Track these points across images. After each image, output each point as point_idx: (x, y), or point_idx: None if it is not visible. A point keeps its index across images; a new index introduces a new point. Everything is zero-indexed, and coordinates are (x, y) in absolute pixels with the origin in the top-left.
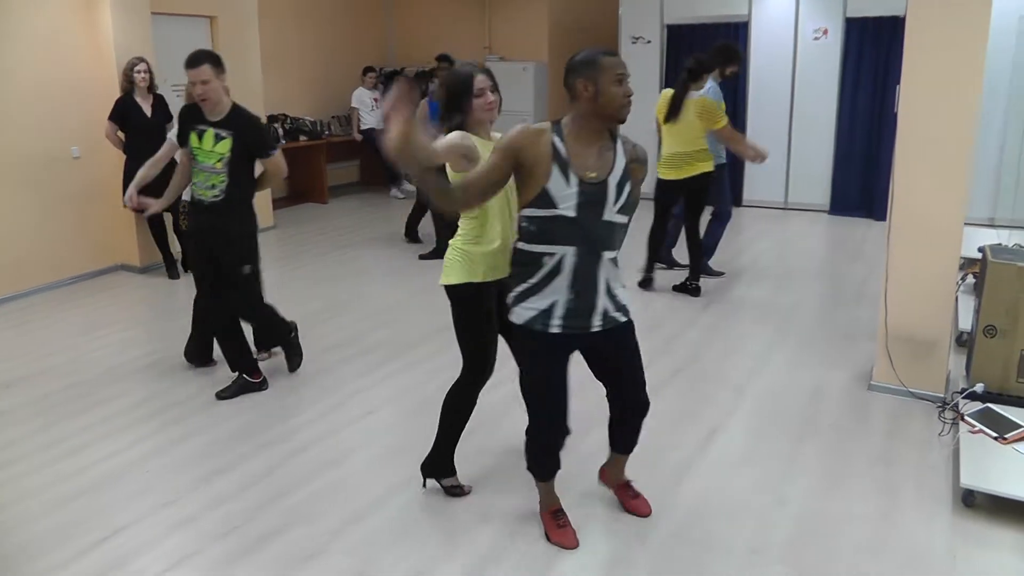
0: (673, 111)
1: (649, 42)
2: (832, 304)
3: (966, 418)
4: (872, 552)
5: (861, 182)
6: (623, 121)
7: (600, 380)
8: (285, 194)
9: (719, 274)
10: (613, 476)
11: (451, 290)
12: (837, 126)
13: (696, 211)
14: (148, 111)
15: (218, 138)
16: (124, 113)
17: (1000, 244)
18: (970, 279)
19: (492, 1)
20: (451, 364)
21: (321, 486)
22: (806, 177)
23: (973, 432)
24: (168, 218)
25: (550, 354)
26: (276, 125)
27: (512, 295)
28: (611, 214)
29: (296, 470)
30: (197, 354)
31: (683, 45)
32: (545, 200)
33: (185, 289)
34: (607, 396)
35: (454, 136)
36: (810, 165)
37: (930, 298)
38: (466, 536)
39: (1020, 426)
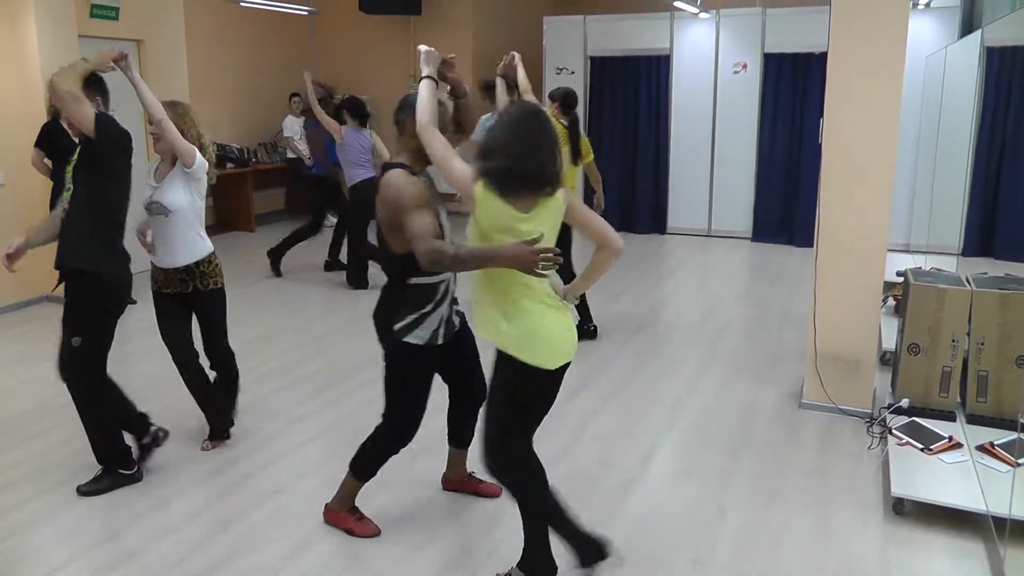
0: None
1: (572, 73)
2: (758, 326)
3: (894, 431)
4: (811, 560)
5: (781, 209)
6: None
7: (449, 379)
8: (212, 223)
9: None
10: (458, 474)
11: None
12: (758, 156)
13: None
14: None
15: None
16: (51, 139)
17: (920, 268)
18: (891, 301)
19: (417, 29)
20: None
21: (266, 514)
22: (728, 205)
23: (901, 444)
24: None
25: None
26: None
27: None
28: None
29: (239, 499)
30: None
31: (606, 76)
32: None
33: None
34: (451, 394)
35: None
36: (732, 193)
37: (856, 320)
38: (417, 555)
39: (944, 438)
